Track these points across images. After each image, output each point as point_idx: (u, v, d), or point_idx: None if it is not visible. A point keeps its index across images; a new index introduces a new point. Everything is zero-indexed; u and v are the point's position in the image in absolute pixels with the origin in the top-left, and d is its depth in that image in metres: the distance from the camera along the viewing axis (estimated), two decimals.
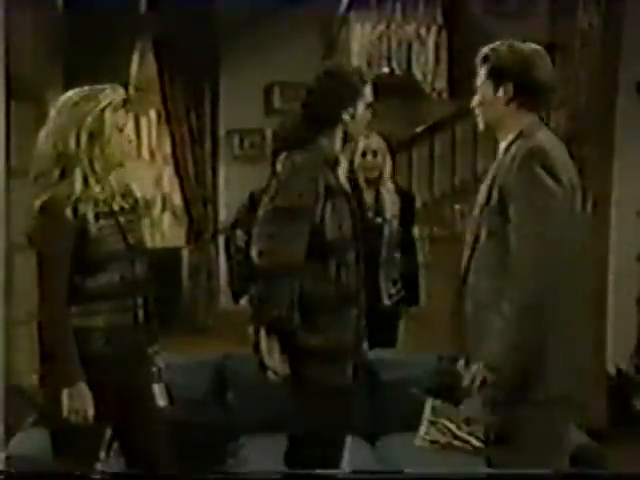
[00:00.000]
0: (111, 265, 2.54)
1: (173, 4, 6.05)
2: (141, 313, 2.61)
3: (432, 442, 3.51)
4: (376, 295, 3.87)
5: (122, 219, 2.59)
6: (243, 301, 3.31)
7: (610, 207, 4.97)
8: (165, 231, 7.70)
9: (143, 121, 7.29)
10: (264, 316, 2.62)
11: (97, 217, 2.51)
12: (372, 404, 3.65)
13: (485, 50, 2.55)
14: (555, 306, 2.36)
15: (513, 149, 2.44)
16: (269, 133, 6.83)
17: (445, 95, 6.49)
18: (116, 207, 2.58)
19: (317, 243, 2.61)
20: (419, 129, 6.46)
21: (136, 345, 2.61)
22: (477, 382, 2.43)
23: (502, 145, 2.51)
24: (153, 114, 7.28)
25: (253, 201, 3.30)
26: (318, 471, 2.58)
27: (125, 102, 2.56)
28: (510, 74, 2.48)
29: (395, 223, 3.95)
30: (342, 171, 2.86)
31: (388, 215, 3.93)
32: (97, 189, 2.52)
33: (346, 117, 2.70)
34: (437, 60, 6.41)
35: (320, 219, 2.62)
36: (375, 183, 3.96)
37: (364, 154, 3.88)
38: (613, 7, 3.89)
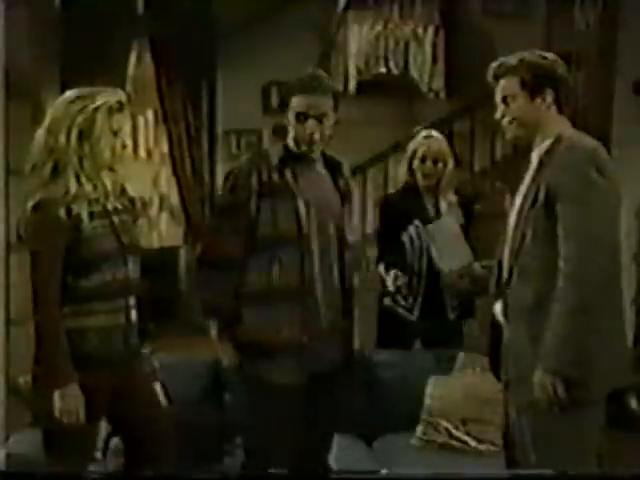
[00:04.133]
0: (104, 265, 2.54)
1: (170, 4, 6.05)
2: (134, 313, 2.62)
3: (428, 442, 3.53)
4: (441, 309, 3.78)
5: (116, 219, 2.60)
6: None
7: None
8: (162, 230, 7.71)
9: (140, 121, 7.31)
10: (207, 305, 2.72)
11: (91, 217, 2.53)
12: (369, 404, 3.65)
13: (511, 62, 2.56)
14: (603, 305, 2.41)
15: (560, 153, 2.46)
16: (266, 133, 6.84)
17: (442, 95, 6.50)
18: (110, 207, 2.59)
19: (251, 238, 2.67)
20: (416, 129, 6.46)
21: (130, 345, 2.62)
22: (550, 389, 2.39)
23: (538, 150, 2.54)
24: (150, 114, 7.30)
25: None
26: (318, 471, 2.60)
27: (122, 106, 2.57)
28: (551, 81, 2.52)
29: None
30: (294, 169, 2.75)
31: None
32: (89, 188, 2.54)
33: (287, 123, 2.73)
34: (434, 60, 6.41)
35: (255, 215, 2.67)
36: (433, 191, 3.72)
37: (423, 159, 3.66)
38: (609, 8, 3.90)
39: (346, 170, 2.88)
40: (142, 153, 7.43)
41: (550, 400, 2.39)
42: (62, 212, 2.48)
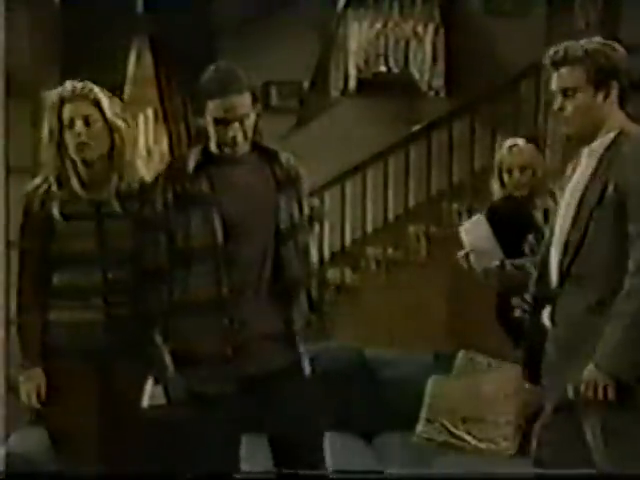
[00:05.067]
0: (78, 265, 2.58)
1: (170, 4, 6.05)
2: (113, 312, 2.60)
3: (429, 440, 3.54)
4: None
5: (104, 222, 2.60)
6: None
7: None
8: None
9: (140, 119, 7.31)
10: (144, 317, 2.62)
11: (66, 217, 2.56)
12: (369, 402, 3.66)
13: (576, 51, 2.38)
14: None
15: (627, 149, 2.35)
16: (265, 131, 6.84)
17: (442, 93, 6.48)
18: (91, 209, 2.59)
19: (170, 251, 2.58)
20: (416, 128, 6.47)
21: (105, 344, 2.60)
22: (600, 389, 2.29)
23: (597, 146, 2.40)
24: (150, 112, 7.30)
25: None
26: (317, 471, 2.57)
27: (73, 96, 2.57)
28: (616, 74, 2.38)
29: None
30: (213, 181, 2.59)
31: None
32: (70, 187, 2.57)
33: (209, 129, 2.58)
34: (434, 58, 6.40)
35: (173, 227, 2.56)
36: (527, 201, 3.47)
37: (510, 171, 3.42)
38: (609, 7, 3.90)
39: (283, 157, 2.69)
40: (142, 152, 7.43)
41: (594, 399, 2.29)
42: (37, 207, 2.56)
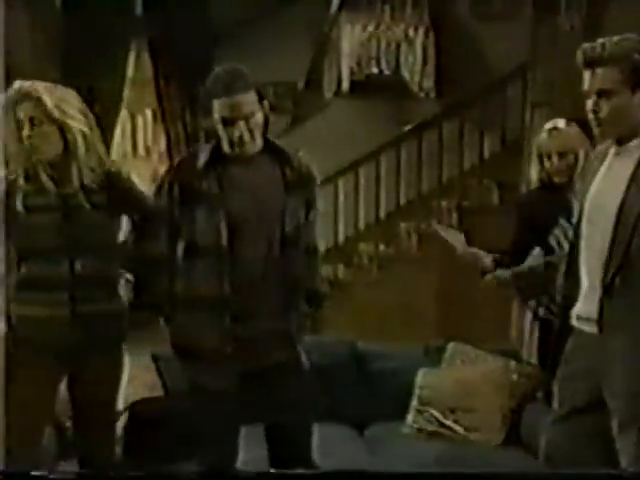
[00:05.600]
0: (44, 258, 2.48)
1: (168, 7, 6.03)
2: (79, 310, 2.50)
3: (419, 430, 3.53)
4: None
5: (72, 216, 2.50)
6: None
7: None
8: None
9: (139, 119, 7.29)
10: (144, 301, 2.62)
11: (30, 209, 2.46)
12: (361, 394, 3.65)
13: (612, 50, 2.21)
14: None
15: None
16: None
17: (432, 94, 6.48)
18: (58, 202, 2.49)
19: (175, 243, 2.55)
20: (407, 128, 6.46)
21: (72, 341, 2.51)
22: None
23: (635, 146, 2.26)
24: (149, 113, 7.28)
25: None
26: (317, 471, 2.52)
27: (20, 96, 2.45)
28: None
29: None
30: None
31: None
32: (40, 182, 2.48)
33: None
34: (425, 60, 6.40)
35: (178, 222, 2.53)
36: (565, 189, 3.11)
37: (549, 156, 3.09)
38: (593, 10, 3.88)
39: (295, 159, 2.62)
40: (141, 150, 7.42)
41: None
42: (2, 197, 2.47)
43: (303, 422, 2.66)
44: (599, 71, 2.21)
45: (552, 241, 3.18)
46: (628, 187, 2.22)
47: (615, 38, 2.23)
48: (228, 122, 2.48)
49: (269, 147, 2.59)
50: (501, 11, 6.18)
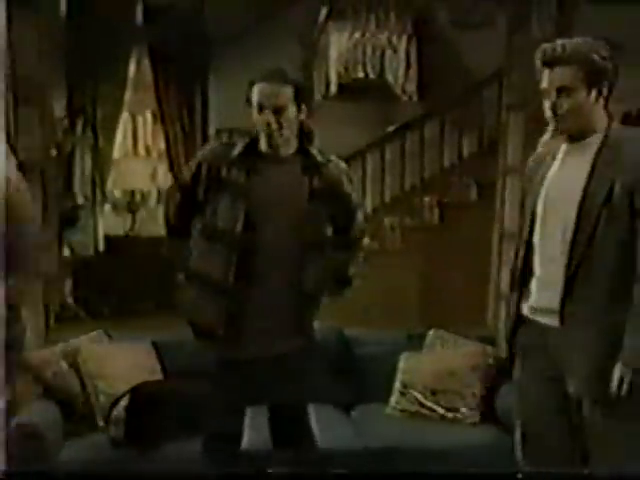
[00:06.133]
0: None
1: (167, 15, 6.06)
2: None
3: (402, 411, 3.57)
4: None
5: None
6: None
7: None
8: (160, 220, 7.68)
9: (139, 121, 7.31)
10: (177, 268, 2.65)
11: None
12: (348, 377, 3.69)
13: (571, 50, 2.20)
14: None
15: (626, 148, 2.19)
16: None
17: (415, 98, 6.53)
18: None
19: (193, 223, 2.60)
20: (391, 128, 6.51)
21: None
22: (627, 385, 2.14)
23: (591, 143, 2.24)
24: (149, 115, 7.29)
25: None
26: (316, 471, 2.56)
27: None
28: (608, 72, 2.22)
29: None
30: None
31: None
32: None
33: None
34: (408, 66, 6.44)
35: (202, 204, 2.55)
36: None
37: None
38: (564, 20, 3.95)
39: (325, 170, 2.57)
40: (141, 150, 7.43)
41: (624, 395, 2.14)
42: None
43: (302, 405, 2.67)
44: (559, 69, 2.21)
45: None
46: (588, 181, 2.20)
47: (574, 40, 2.24)
48: (262, 108, 2.46)
49: (303, 152, 2.56)
50: (478, 20, 6.24)
